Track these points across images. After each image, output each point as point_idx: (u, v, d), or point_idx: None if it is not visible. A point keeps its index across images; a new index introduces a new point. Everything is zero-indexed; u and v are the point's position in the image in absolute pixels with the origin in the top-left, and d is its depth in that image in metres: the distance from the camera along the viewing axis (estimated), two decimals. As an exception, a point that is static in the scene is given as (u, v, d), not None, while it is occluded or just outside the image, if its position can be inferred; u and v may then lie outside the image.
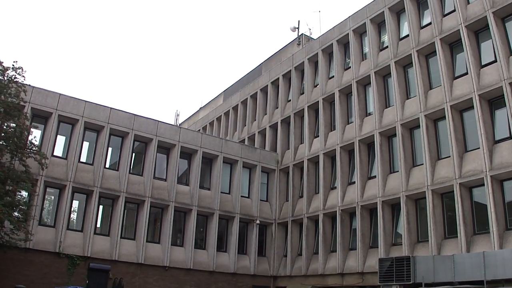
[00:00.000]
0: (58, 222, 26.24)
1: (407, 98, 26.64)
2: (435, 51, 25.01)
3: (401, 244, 24.18)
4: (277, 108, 37.25)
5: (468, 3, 24.02)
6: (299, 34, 40.01)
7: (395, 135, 26.53)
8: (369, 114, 28.94)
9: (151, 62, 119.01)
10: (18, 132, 22.32)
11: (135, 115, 30.14)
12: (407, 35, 27.05)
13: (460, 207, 21.70)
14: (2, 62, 22.28)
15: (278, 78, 37.55)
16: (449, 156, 23.16)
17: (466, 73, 23.38)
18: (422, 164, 24.45)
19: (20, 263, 24.36)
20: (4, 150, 21.94)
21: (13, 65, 22.57)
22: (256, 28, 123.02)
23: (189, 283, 29.14)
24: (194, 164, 31.85)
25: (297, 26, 40.86)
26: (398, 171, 25.77)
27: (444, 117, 23.95)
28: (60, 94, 27.63)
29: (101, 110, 28.92)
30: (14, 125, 22.54)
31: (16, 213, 22.25)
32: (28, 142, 23.47)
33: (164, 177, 30.76)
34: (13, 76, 22.58)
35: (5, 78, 22.37)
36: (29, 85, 24.98)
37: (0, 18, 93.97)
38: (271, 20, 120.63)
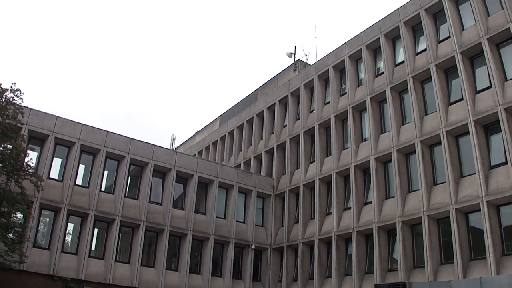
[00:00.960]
0: (52, 244, 25.99)
1: (403, 124, 26.78)
2: (431, 77, 25.27)
3: (397, 270, 24.01)
4: (273, 133, 37.32)
5: (463, 29, 24.39)
6: (295, 60, 40.34)
7: (390, 160, 26.56)
8: (365, 139, 29.02)
9: (148, 86, 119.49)
10: (15, 154, 22.33)
11: (131, 138, 30.13)
12: (403, 61, 27.36)
13: (457, 233, 21.66)
14: (1, 84, 22.40)
15: (274, 103, 37.71)
16: (445, 182, 23.22)
17: (462, 99, 23.60)
18: (418, 189, 24.48)
19: (14, 285, 24.03)
20: (0, 171, 21.92)
21: (11, 87, 22.69)
22: (253, 54, 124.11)
23: (183, 308, 28.79)
24: (189, 189, 31.75)
25: (293, 52, 41.17)
26: (394, 197, 25.75)
27: (439, 143, 24.06)
28: (57, 117, 27.65)
29: (98, 133, 28.92)
30: (10, 146, 22.60)
31: (10, 235, 22.15)
32: (24, 164, 23.44)
33: (160, 201, 30.61)
34: (11, 98, 22.67)
35: (3, 99, 22.44)
36: (27, 107, 25.04)
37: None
38: (267, 46, 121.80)
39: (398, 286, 21.56)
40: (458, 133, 23.60)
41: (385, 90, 27.73)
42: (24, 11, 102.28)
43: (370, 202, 27.14)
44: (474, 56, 23.79)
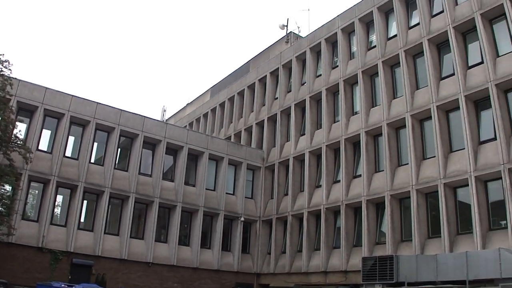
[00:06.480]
0: (41, 216, 25.97)
1: (394, 98, 26.71)
2: (423, 51, 25.09)
3: (385, 243, 24.25)
4: (264, 105, 37.17)
5: (457, 4, 24.16)
6: (288, 32, 39.94)
7: (381, 134, 26.57)
8: (356, 113, 28.97)
9: (139, 58, 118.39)
10: (3, 125, 22.10)
11: (121, 110, 29.89)
12: (395, 35, 27.13)
13: (444, 207, 21.83)
14: None
15: (266, 75, 37.45)
16: (434, 156, 23.30)
17: (453, 74, 23.50)
18: (407, 163, 24.52)
19: (3, 257, 24.00)
20: (-12, 143, 21.72)
21: None
22: (245, 26, 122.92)
23: (172, 279, 28.99)
24: (179, 160, 31.69)
25: (286, 24, 40.79)
26: (383, 170, 25.83)
27: (430, 117, 24.05)
28: (46, 88, 27.34)
29: (87, 105, 28.65)
30: None
31: (-1, 207, 22.00)
32: (13, 136, 23.22)
33: (150, 173, 30.56)
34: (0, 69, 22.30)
35: None
36: (15, 78, 24.67)
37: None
38: (259, 17, 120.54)
39: (386, 259, 21.64)
40: (448, 108, 23.57)
41: (377, 64, 27.56)
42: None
43: (360, 176, 27.24)
44: (466, 32, 23.59)
